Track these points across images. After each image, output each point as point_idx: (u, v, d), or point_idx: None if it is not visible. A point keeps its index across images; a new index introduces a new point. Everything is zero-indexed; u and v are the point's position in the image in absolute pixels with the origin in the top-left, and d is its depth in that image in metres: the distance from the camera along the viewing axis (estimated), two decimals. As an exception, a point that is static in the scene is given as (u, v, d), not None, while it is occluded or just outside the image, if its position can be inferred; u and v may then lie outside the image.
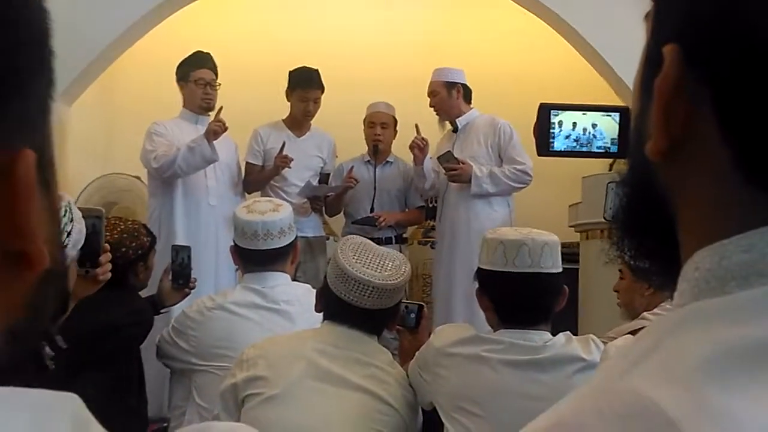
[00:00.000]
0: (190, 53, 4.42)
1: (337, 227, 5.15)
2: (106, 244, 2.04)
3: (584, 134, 0.72)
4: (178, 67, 4.42)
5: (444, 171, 4.41)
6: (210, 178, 4.38)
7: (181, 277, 2.95)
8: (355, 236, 2.36)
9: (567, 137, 0.73)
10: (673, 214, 0.55)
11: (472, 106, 4.65)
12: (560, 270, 2.17)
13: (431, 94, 4.59)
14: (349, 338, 2.22)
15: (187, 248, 3.00)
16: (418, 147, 4.53)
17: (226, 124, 4.15)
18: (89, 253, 1.94)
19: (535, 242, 2.11)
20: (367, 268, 2.17)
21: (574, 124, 0.73)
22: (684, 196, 0.54)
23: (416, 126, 4.54)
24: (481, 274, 2.20)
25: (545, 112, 0.72)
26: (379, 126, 4.74)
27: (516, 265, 2.11)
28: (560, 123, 0.72)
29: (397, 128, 4.85)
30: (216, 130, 4.10)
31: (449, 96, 4.56)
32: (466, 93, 4.61)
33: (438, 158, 4.44)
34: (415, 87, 4.89)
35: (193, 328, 2.81)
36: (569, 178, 4.74)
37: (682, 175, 0.53)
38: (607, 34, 4.68)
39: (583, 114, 0.73)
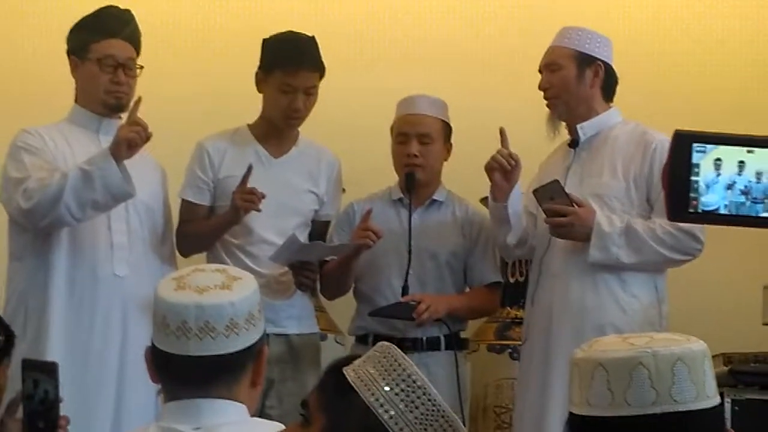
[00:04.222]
0: (94, 9, 3.51)
1: (341, 319, 3.99)
2: None
3: (758, 182, 0.65)
4: (71, 32, 3.48)
5: (544, 215, 3.33)
6: (117, 231, 3.47)
7: (41, 417, 2.44)
8: None
9: (729, 187, 0.64)
10: None
11: (612, 105, 3.46)
12: (714, 401, 1.60)
13: (549, 66, 3.45)
14: None
15: (52, 367, 2.44)
16: (502, 168, 3.41)
17: (149, 130, 3.25)
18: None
19: (660, 358, 1.60)
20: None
21: (741, 164, 0.64)
22: None
23: (501, 131, 3.44)
24: (574, 424, 1.66)
25: (683, 145, 0.64)
26: (417, 139, 3.68)
27: (629, 404, 1.59)
28: (716, 163, 0.63)
29: (451, 142, 3.75)
30: (131, 140, 3.24)
31: (579, 79, 3.39)
32: (609, 81, 3.44)
33: (535, 191, 3.35)
34: (486, 67, 4.06)
35: None
36: (762, 238, 3.47)
37: None
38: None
39: (749, 151, 0.63)
